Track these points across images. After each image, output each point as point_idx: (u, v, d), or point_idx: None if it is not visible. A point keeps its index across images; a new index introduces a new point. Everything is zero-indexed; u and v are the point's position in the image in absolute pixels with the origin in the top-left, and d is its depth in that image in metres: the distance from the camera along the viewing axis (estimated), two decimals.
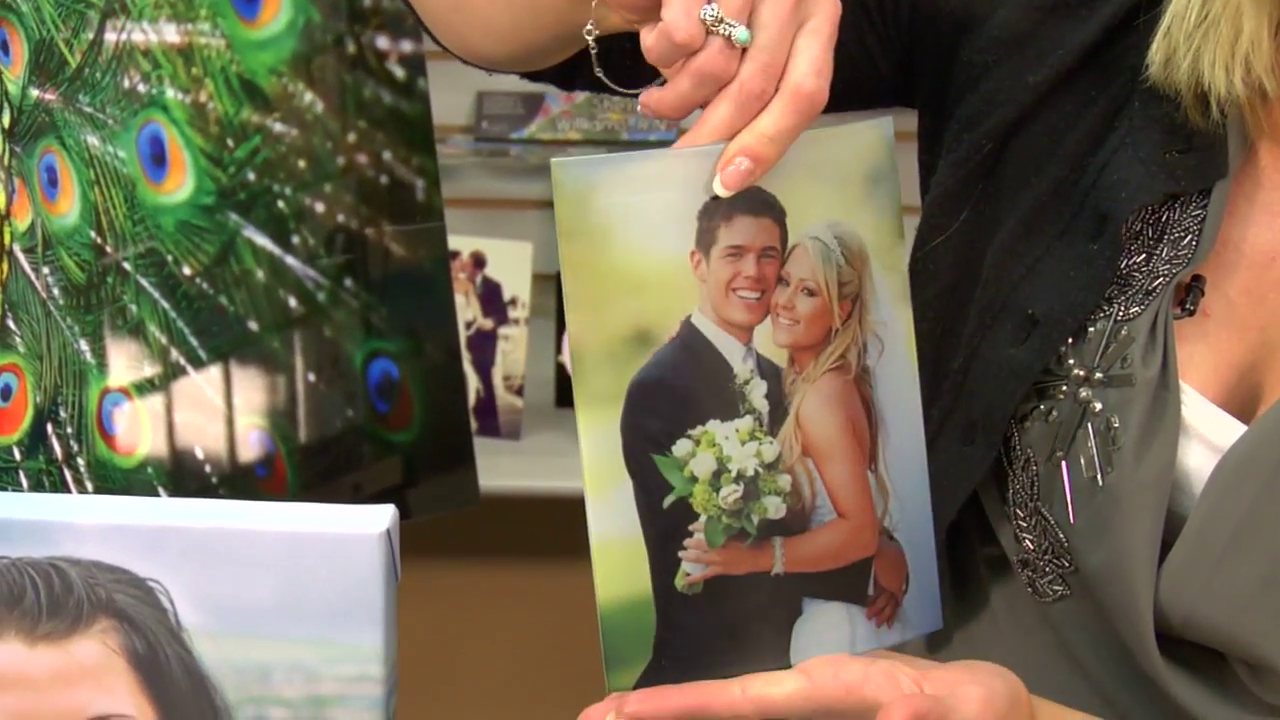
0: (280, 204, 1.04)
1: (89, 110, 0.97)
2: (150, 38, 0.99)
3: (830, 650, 0.84)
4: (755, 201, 0.80)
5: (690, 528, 0.82)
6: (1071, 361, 0.94)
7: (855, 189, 0.82)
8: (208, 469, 1.02)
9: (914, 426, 0.85)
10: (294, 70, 1.04)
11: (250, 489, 1.03)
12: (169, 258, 1.00)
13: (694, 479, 0.82)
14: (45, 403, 0.95)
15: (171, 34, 1.00)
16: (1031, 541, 0.97)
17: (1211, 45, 0.90)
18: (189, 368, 1.01)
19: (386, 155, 1.07)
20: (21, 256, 0.94)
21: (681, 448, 0.82)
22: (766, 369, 0.82)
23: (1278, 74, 0.90)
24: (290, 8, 1.04)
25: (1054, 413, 0.95)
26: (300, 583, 0.78)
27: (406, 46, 1.08)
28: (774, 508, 0.83)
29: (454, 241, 2.32)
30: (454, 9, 0.95)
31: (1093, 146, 0.95)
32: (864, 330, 0.83)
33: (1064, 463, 0.94)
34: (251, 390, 1.03)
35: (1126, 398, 0.92)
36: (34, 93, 0.95)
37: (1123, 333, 0.93)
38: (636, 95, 0.82)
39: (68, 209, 0.97)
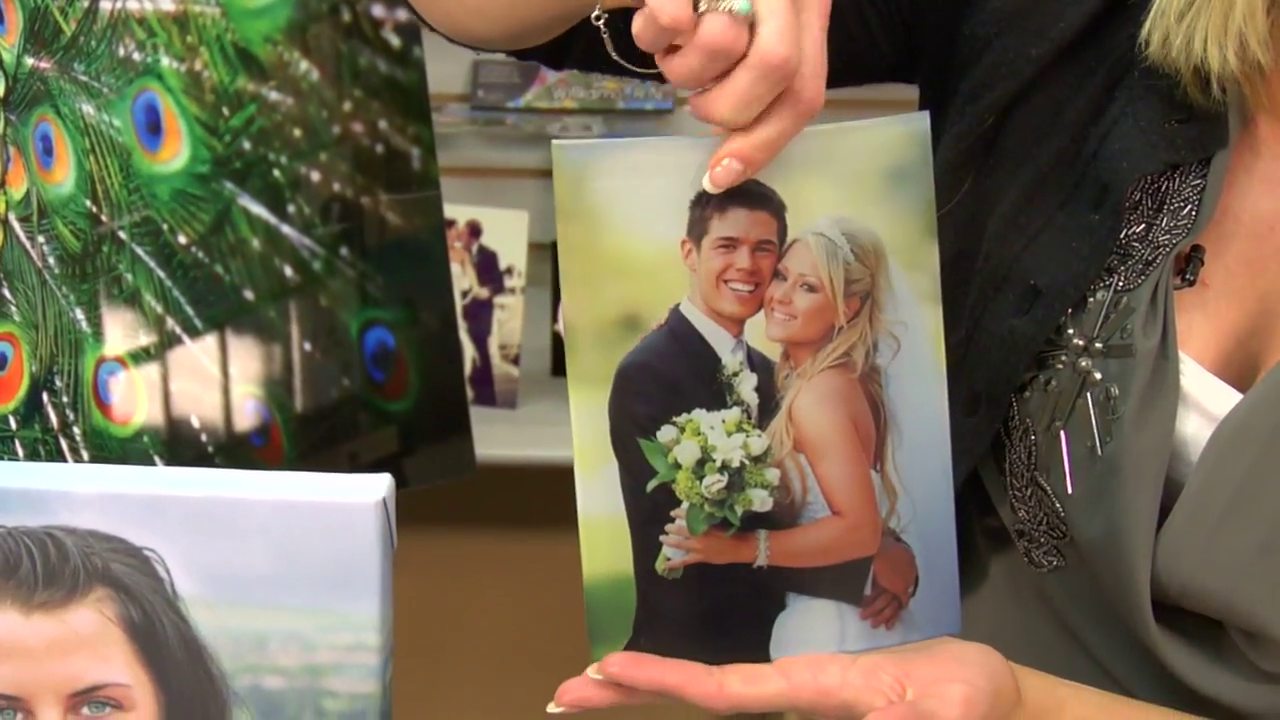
0: (276, 173, 1.03)
1: (84, 79, 0.97)
2: (145, 6, 0.99)
3: (814, 647, 0.84)
4: (751, 194, 0.80)
5: (672, 513, 0.83)
6: (1071, 331, 0.95)
7: (872, 185, 0.81)
8: (204, 438, 1.02)
9: (936, 428, 0.84)
10: (289, 38, 1.04)
11: (246, 458, 1.03)
12: (164, 226, 1.00)
13: (677, 465, 0.82)
14: (41, 372, 0.95)
15: (166, 2, 1.00)
16: (1026, 512, 0.98)
17: (1204, 23, 0.90)
18: (185, 337, 1.01)
19: (382, 124, 1.07)
20: (17, 225, 0.94)
21: (666, 434, 0.82)
22: (758, 362, 0.82)
23: (1273, 47, 0.90)
24: None
25: (1053, 382, 0.95)
26: (296, 552, 0.78)
27: (402, 15, 1.07)
28: (760, 500, 0.83)
29: (450, 210, 2.32)
30: None
31: (1093, 117, 0.95)
32: (875, 329, 0.82)
33: (1063, 433, 0.95)
34: (247, 359, 1.03)
35: (1126, 368, 0.93)
36: (29, 61, 0.95)
37: (1123, 303, 0.94)
38: (643, 75, 0.82)
39: (63, 178, 0.96)
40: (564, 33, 0.96)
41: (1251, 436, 0.91)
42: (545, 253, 2.56)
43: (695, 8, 0.76)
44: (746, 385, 0.82)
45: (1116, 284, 0.94)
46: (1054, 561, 0.98)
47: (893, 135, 0.81)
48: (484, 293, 2.46)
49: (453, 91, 2.62)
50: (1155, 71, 0.93)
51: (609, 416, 0.82)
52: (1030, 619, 1.01)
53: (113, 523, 0.78)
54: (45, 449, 0.95)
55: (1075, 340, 0.94)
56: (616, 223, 0.80)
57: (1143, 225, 0.94)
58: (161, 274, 0.99)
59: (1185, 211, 0.94)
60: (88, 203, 0.97)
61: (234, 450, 1.03)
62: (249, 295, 1.03)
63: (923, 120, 0.81)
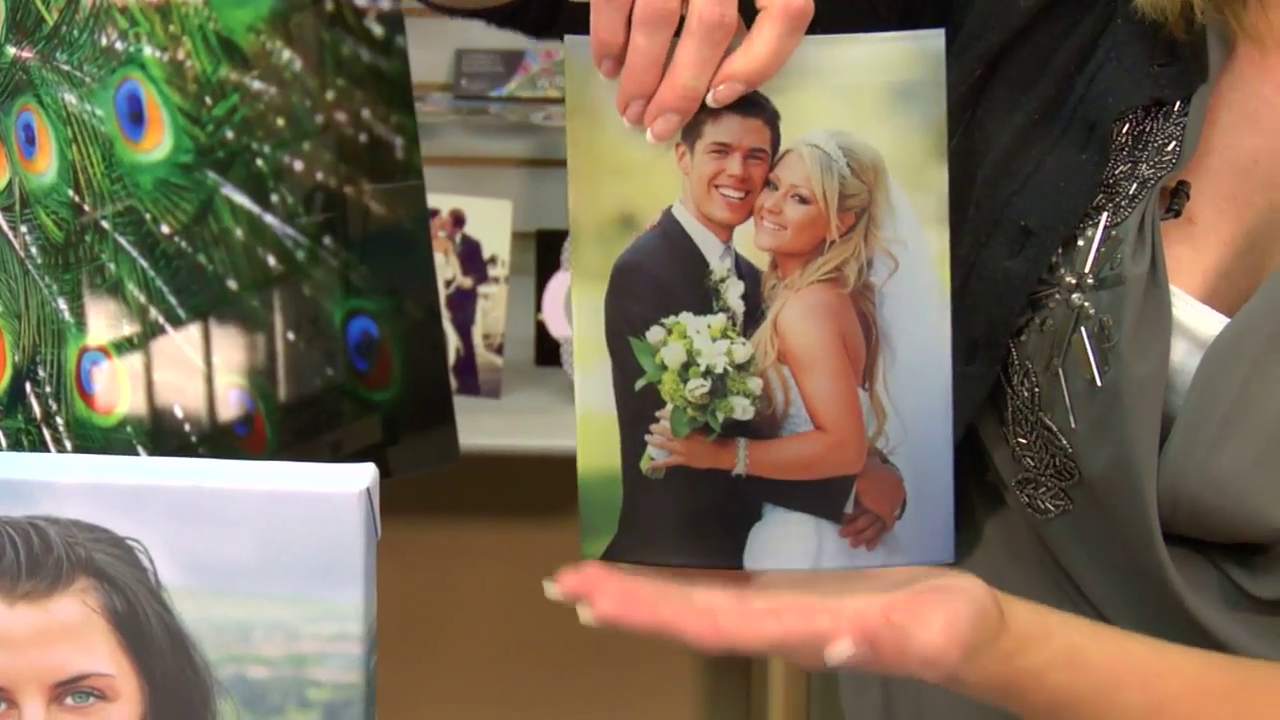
0: (259, 162, 1.03)
1: (66, 68, 0.97)
2: None
3: (788, 560, 0.84)
4: (745, 101, 0.80)
5: (658, 414, 0.84)
6: (1063, 270, 0.96)
7: (876, 100, 0.80)
8: (187, 428, 1.02)
9: (934, 353, 0.83)
10: (272, 28, 1.04)
11: (230, 447, 1.03)
12: (147, 216, 0.99)
13: (664, 367, 0.83)
14: (24, 362, 0.95)
15: None
16: (1032, 458, 0.99)
17: None
18: (168, 326, 1.01)
19: (365, 113, 1.07)
20: None
21: (655, 334, 0.83)
22: (745, 270, 0.82)
23: None
24: None
25: (1048, 321, 0.96)
26: (280, 541, 0.78)
27: (385, 4, 1.07)
28: (741, 409, 0.83)
29: (433, 200, 2.32)
30: None
31: (1080, 64, 0.97)
32: (870, 246, 0.82)
33: (1061, 369, 0.96)
34: (231, 349, 1.03)
35: (1118, 297, 0.94)
36: (11, 50, 0.95)
37: (1112, 234, 0.95)
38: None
39: (45, 167, 0.96)
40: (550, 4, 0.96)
41: (1239, 357, 0.92)
42: (529, 242, 2.56)
43: None
44: (733, 292, 0.82)
45: (1104, 220, 0.95)
46: (1061, 505, 0.99)
47: (902, 50, 0.80)
48: (468, 282, 2.46)
49: (436, 81, 2.62)
50: (1139, 18, 0.95)
51: (604, 313, 0.83)
52: (1028, 575, 1.02)
53: (96, 512, 0.78)
54: (28, 439, 0.95)
55: (1067, 278, 0.96)
56: (617, 121, 0.80)
57: (1129, 163, 0.96)
58: (144, 263, 0.99)
59: (1170, 147, 0.95)
60: (70, 192, 0.97)
61: (217, 440, 1.03)
62: (232, 285, 1.03)
63: (937, 38, 0.80)
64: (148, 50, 0.99)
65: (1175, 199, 0.96)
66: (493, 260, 2.46)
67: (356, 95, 1.07)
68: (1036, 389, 0.97)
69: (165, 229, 1.00)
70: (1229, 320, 0.93)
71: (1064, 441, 0.97)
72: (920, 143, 0.81)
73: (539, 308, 2.49)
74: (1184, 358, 0.94)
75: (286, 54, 1.04)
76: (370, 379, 1.08)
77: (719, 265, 0.82)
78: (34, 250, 0.95)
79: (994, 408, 1.00)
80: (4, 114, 0.94)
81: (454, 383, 2.43)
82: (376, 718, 0.81)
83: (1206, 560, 0.97)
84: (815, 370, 0.83)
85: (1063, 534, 1.00)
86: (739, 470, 0.84)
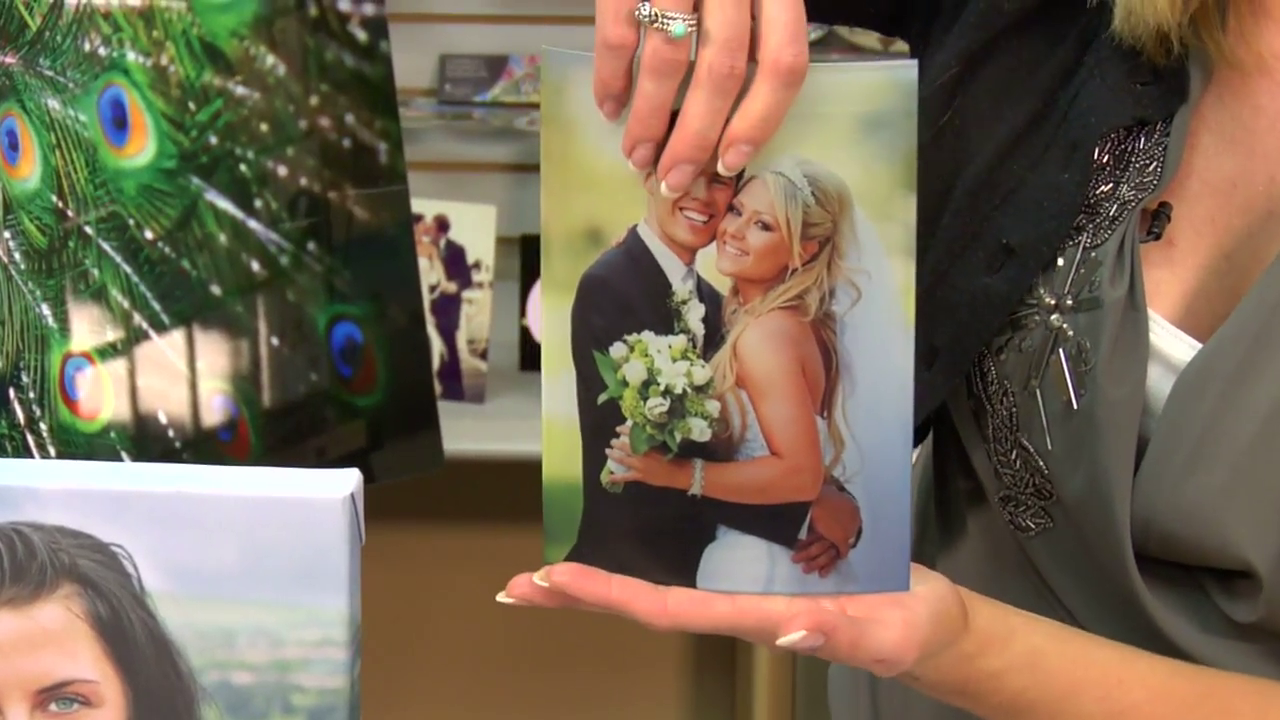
0: (242, 168, 1.03)
1: (50, 74, 0.97)
2: (111, 1, 0.99)
3: (740, 583, 0.84)
4: None
5: (618, 429, 0.84)
6: (1042, 291, 0.96)
7: (844, 130, 0.79)
8: (171, 433, 1.02)
9: (895, 384, 0.82)
10: (255, 33, 1.04)
11: (214, 453, 1.03)
12: (131, 221, 0.99)
13: (625, 383, 0.83)
14: (7, 368, 0.95)
15: None
16: (1012, 476, 0.99)
17: None
18: (151, 332, 1.01)
19: (349, 118, 1.07)
20: None
21: (617, 350, 0.83)
22: (706, 293, 0.82)
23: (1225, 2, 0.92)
24: None
25: (1026, 342, 0.96)
26: (264, 547, 0.78)
27: (369, 9, 1.07)
28: (699, 430, 0.83)
29: (417, 205, 2.32)
30: None
31: (1064, 80, 0.97)
32: (833, 275, 0.81)
33: (1039, 390, 0.96)
34: (215, 354, 1.03)
35: (1096, 320, 0.94)
36: None
37: (1091, 258, 0.95)
38: None
39: (29, 173, 0.96)
40: None
41: (1210, 384, 0.92)
42: (513, 247, 2.56)
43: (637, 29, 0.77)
44: (694, 315, 0.82)
45: (1085, 241, 0.95)
46: (1041, 524, 0.99)
47: (874, 81, 0.79)
48: (452, 287, 2.46)
49: (420, 86, 2.62)
50: (1121, 36, 0.95)
51: (570, 325, 0.83)
52: (1011, 585, 1.02)
53: (80, 518, 0.78)
54: (12, 445, 0.95)
55: (1046, 299, 0.96)
56: (589, 136, 0.81)
57: (1110, 184, 0.96)
58: (128, 269, 0.99)
59: (1150, 168, 0.96)
60: (54, 198, 0.97)
61: (201, 446, 1.03)
62: (216, 290, 1.03)
63: (909, 70, 0.79)
64: (131, 56, 0.99)
65: (1156, 221, 0.96)
66: (477, 265, 2.46)
67: (340, 100, 1.07)
68: (1014, 409, 0.97)
69: (149, 234, 1.00)
70: (1201, 346, 0.94)
71: (1040, 463, 0.97)
72: (888, 173, 0.80)
73: (523, 312, 2.49)
74: (1158, 382, 0.94)
75: (270, 59, 1.04)
76: (354, 384, 1.08)
77: (681, 287, 0.82)
78: (17, 256, 0.95)
79: (976, 424, 1.00)
80: None
81: (438, 388, 2.43)
82: None
83: (1189, 580, 0.97)
84: (772, 396, 0.83)
85: (1043, 551, 1.00)
86: (694, 491, 0.84)
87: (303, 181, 1.06)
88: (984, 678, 0.87)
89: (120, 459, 0.99)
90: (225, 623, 0.78)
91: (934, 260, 0.98)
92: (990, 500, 1.02)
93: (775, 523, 0.84)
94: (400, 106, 1.10)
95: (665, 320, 0.82)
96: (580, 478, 0.85)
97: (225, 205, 1.03)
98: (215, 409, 1.03)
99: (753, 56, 0.77)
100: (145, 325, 1.00)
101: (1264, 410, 0.91)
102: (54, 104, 0.97)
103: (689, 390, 0.83)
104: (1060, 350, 0.95)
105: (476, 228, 2.46)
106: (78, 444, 0.98)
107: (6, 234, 0.95)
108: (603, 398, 0.84)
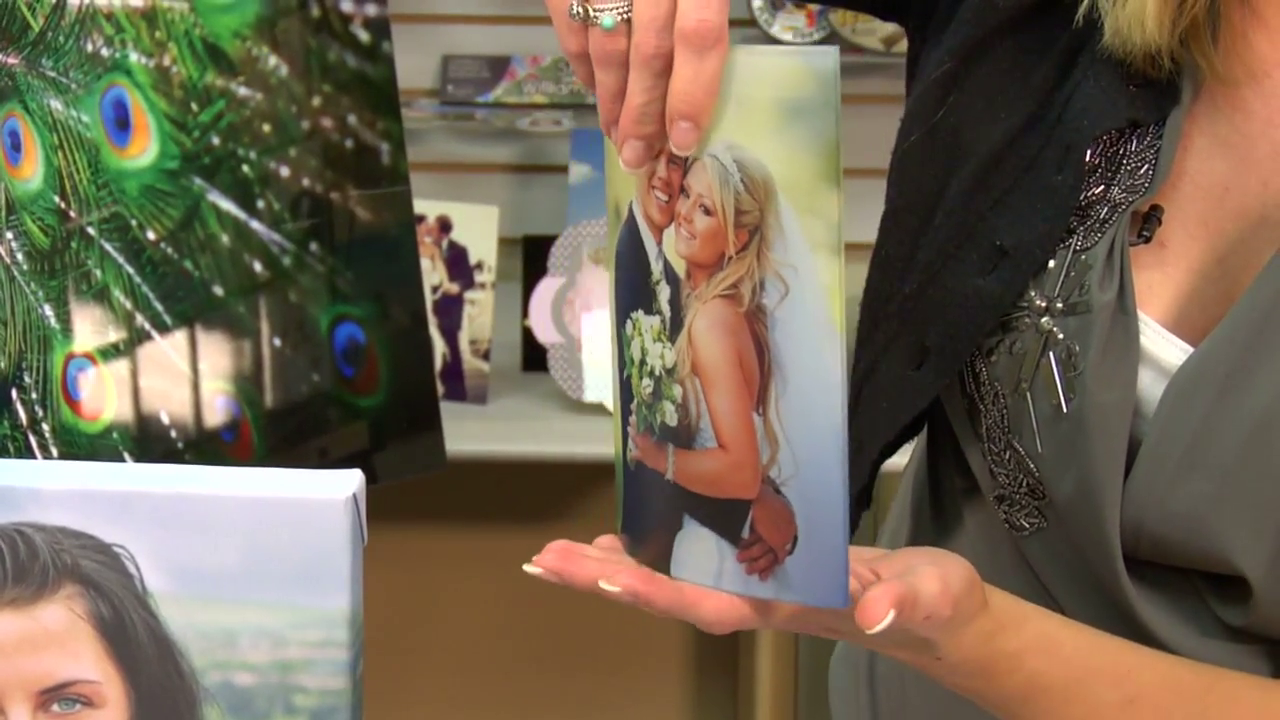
0: (245, 168, 1.03)
1: (52, 74, 0.97)
2: (113, 1, 0.99)
3: (696, 576, 0.83)
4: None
5: (631, 406, 0.84)
6: (1033, 293, 0.96)
7: (763, 116, 0.77)
8: (173, 434, 1.02)
9: (825, 389, 0.78)
10: (258, 34, 1.04)
11: (216, 454, 1.03)
12: (133, 222, 0.99)
13: (632, 360, 0.83)
14: (9, 368, 0.95)
15: None
16: (1006, 476, 0.99)
17: (1140, 2, 0.91)
18: (154, 333, 1.01)
19: (351, 119, 1.07)
20: None
21: (628, 327, 0.83)
22: (670, 275, 0.81)
23: (1213, 11, 0.92)
24: None
25: (1017, 344, 0.96)
26: (266, 548, 0.78)
27: (371, 10, 1.07)
28: (669, 414, 0.82)
29: (420, 205, 2.32)
30: None
31: (1058, 82, 0.97)
32: (762, 266, 0.78)
33: (1029, 393, 0.96)
34: (217, 355, 1.03)
35: (1085, 324, 0.94)
36: None
37: (1081, 261, 0.95)
38: None
39: (31, 173, 0.96)
40: None
41: (1201, 390, 0.92)
42: (515, 248, 2.56)
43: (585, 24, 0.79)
44: (663, 296, 0.82)
45: (1075, 244, 0.95)
46: (1035, 523, 0.99)
47: (791, 67, 0.76)
48: (454, 288, 2.46)
49: (422, 86, 2.62)
50: (1112, 49, 0.95)
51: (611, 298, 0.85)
52: (1006, 583, 1.02)
53: (82, 519, 0.78)
54: (14, 446, 0.95)
55: (1037, 302, 0.96)
56: None
57: (1101, 186, 0.96)
58: (130, 270, 0.99)
59: (1142, 171, 0.96)
60: (56, 199, 0.97)
61: (204, 446, 1.03)
62: (218, 291, 1.03)
63: (826, 56, 0.75)
64: (133, 56, 0.99)
65: (1147, 223, 0.96)
66: (479, 266, 2.46)
67: (343, 101, 1.07)
68: (1005, 411, 0.97)
69: (151, 235, 1.00)
70: (1192, 351, 0.94)
71: (1032, 466, 0.97)
72: (810, 165, 0.76)
73: (525, 313, 2.49)
74: (1150, 386, 0.94)
75: (273, 60, 1.04)
76: (357, 385, 1.08)
77: (655, 267, 0.82)
78: (20, 257, 0.95)
79: (971, 424, 1.01)
80: None
81: (440, 388, 2.42)
82: None
83: (1182, 583, 0.97)
84: (718, 387, 0.80)
85: (1038, 550, 1.00)
86: (669, 476, 0.83)
87: (305, 182, 1.06)
88: (1002, 657, 0.88)
89: (122, 460, 0.99)
90: (227, 623, 0.79)
91: (926, 260, 0.98)
92: (986, 498, 1.02)
93: (724, 518, 0.82)
94: (402, 107, 1.10)
95: (649, 300, 0.82)
96: (621, 452, 0.86)
97: (228, 206, 1.03)
98: (217, 409, 1.04)
99: None
100: (147, 326, 1.00)
101: (1256, 416, 0.91)
102: (56, 104, 0.97)
103: (663, 373, 0.82)
104: (1050, 353, 0.95)
105: (479, 228, 2.46)
106: (80, 444, 0.98)
107: (9, 234, 0.95)
108: (626, 373, 0.84)
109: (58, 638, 0.79)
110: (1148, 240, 0.96)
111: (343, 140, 1.07)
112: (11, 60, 0.95)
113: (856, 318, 1.02)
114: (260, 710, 0.79)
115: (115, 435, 0.99)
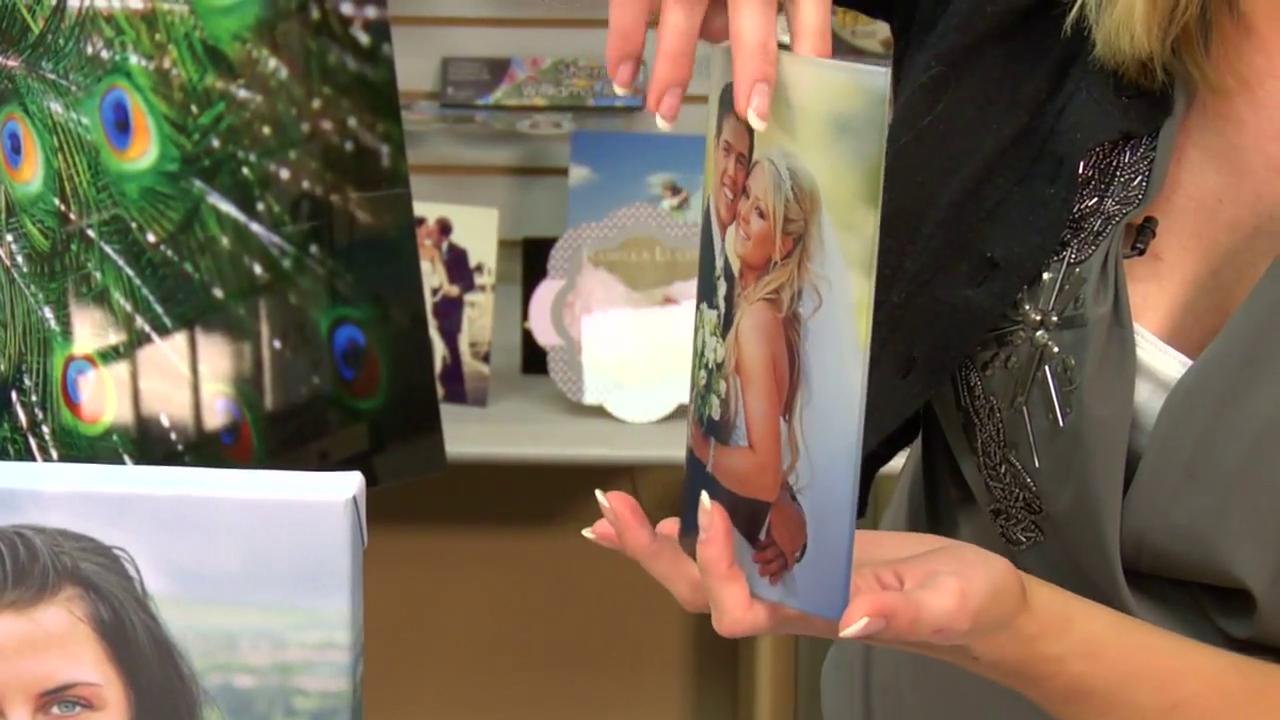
0: (245, 170, 1.03)
1: (52, 77, 0.97)
2: (113, 4, 0.99)
3: None
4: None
5: (692, 395, 0.84)
6: (1027, 307, 0.96)
7: (814, 129, 0.77)
8: (173, 436, 1.02)
9: (844, 406, 0.78)
10: (258, 36, 1.04)
11: (216, 456, 1.03)
12: (133, 224, 0.99)
13: (697, 351, 0.84)
14: (9, 370, 0.95)
15: (134, 0, 1.00)
16: (1002, 490, 0.99)
17: (1128, 10, 0.91)
18: (154, 335, 1.01)
19: (351, 121, 1.07)
20: None
21: (698, 317, 0.83)
22: (728, 272, 0.81)
23: (1204, 20, 0.92)
24: None
25: (1012, 358, 0.96)
26: (266, 550, 0.78)
27: (371, 12, 1.07)
28: (715, 407, 0.82)
29: (420, 208, 2.31)
30: None
31: (1050, 93, 0.96)
32: (802, 276, 0.78)
33: (1025, 408, 0.96)
34: (217, 357, 1.03)
35: (1080, 338, 0.94)
36: None
37: (1075, 274, 0.95)
38: None
39: (31, 176, 0.96)
40: None
41: (1201, 402, 0.92)
42: (515, 250, 2.56)
43: None
44: (721, 291, 0.82)
45: (1069, 257, 0.95)
46: (1033, 537, 0.99)
47: (842, 82, 0.76)
48: (454, 290, 2.46)
49: (422, 89, 2.62)
50: (1103, 60, 0.95)
51: None
52: None
53: (82, 521, 0.78)
54: (14, 448, 0.95)
55: (1031, 315, 0.95)
56: (711, 112, 0.82)
57: (1095, 199, 0.96)
58: (130, 272, 0.99)
59: (1135, 183, 0.95)
60: (56, 201, 0.97)
61: (204, 449, 1.03)
62: (218, 293, 1.03)
63: (877, 76, 0.74)
64: (133, 59, 0.99)
65: (1141, 235, 0.96)
66: (479, 268, 2.46)
67: (343, 103, 1.07)
68: (1001, 425, 0.97)
69: (151, 237, 1.00)
70: (1191, 363, 0.93)
71: (1029, 479, 0.97)
72: (852, 182, 0.76)
73: (525, 316, 2.48)
74: (1148, 399, 0.94)
75: (273, 62, 1.04)
76: (357, 387, 1.08)
77: (718, 262, 0.82)
78: (20, 259, 0.95)
79: (966, 437, 1.00)
80: None
81: (440, 391, 2.42)
82: None
83: (1184, 597, 0.96)
84: (753, 387, 0.81)
85: (1035, 565, 0.99)
86: (709, 468, 0.83)
87: (305, 184, 1.06)
88: (1043, 661, 0.87)
89: (122, 462, 0.99)
90: (227, 625, 0.79)
91: (915, 269, 0.97)
92: (982, 511, 1.02)
93: (747, 517, 0.82)
94: (402, 109, 1.10)
95: (712, 293, 0.82)
96: None
97: (227, 208, 1.03)
98: (217, 412, 1.04)
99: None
100: (147, 328, 1.00)
101: (1256, 429, 0.91)
102: (56, 107, 0.97)
103: (715, 367, 0.82)
104: (1046, 368, 0.95)
105: (479, 231, 2.46)
106: (80, 447, 0.98)
107: (9, 237, 0.95)
108: (693, 363, 0.84)
109: (58, 640, 0.79)
110: (1142, 252, 0.95)
111: (343, 142, 1.07)
112: (11, 63, 0.95)
113: None
114: (260, 712, 0.79)
115: (115, 438, 0.99)
